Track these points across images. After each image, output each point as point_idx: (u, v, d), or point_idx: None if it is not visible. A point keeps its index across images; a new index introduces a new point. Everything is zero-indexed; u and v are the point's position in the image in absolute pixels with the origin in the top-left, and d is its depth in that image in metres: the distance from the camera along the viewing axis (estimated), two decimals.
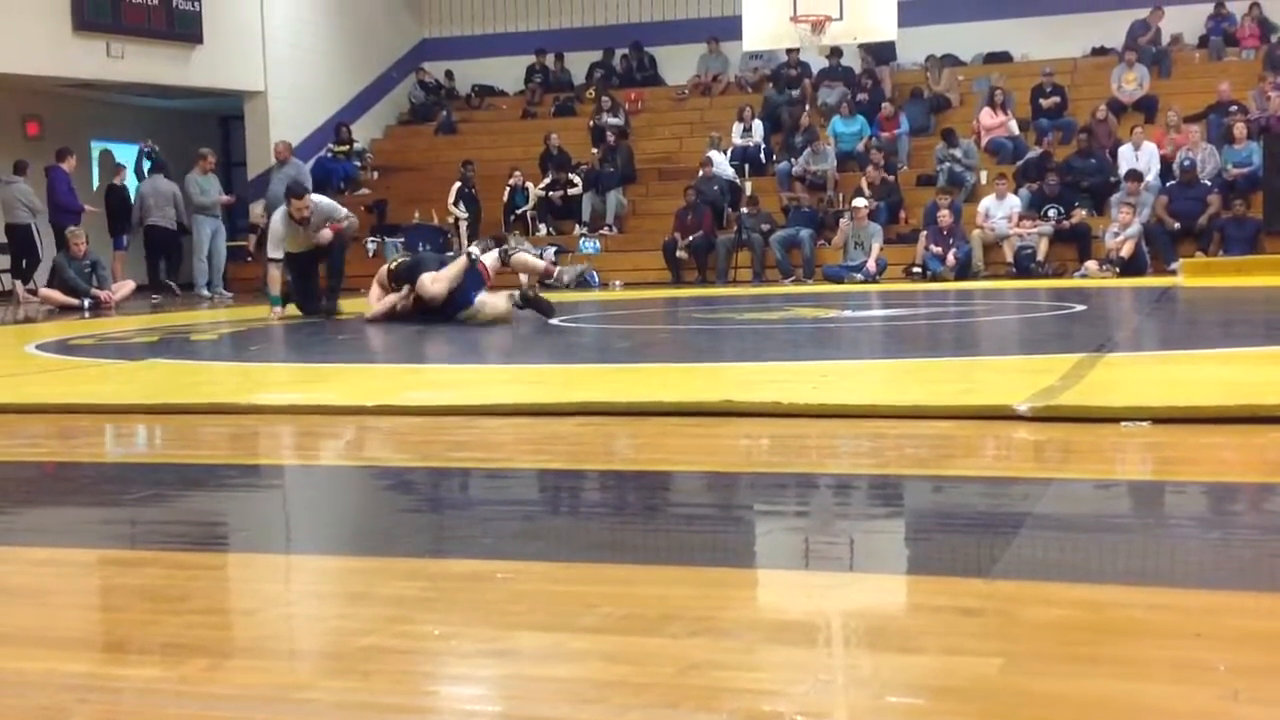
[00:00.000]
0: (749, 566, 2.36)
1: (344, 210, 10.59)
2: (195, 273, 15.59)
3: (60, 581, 2.29)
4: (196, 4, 16.87)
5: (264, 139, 17.55)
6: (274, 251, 10.04)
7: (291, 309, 10.12)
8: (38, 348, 7.50)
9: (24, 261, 15.06)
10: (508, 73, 21.05)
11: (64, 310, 12.63)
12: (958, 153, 16.12)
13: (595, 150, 17.76)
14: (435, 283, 8.51)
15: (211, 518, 2.93)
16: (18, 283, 14.87)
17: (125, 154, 17.33)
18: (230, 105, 18.89)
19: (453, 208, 16.88)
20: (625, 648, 1.76)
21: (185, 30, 16.80)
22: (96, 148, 18.58)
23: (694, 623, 1.85)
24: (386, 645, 1.81)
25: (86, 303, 12.87)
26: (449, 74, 21.18)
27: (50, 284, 13.41)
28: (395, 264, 9.07)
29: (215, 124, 20.53)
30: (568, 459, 3.49)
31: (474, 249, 8.90)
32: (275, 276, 10.01)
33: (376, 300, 9.07)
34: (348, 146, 19.03)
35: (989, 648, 1.71)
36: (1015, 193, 15.23)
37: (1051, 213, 14.81)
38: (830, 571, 2.29)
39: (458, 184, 17.10)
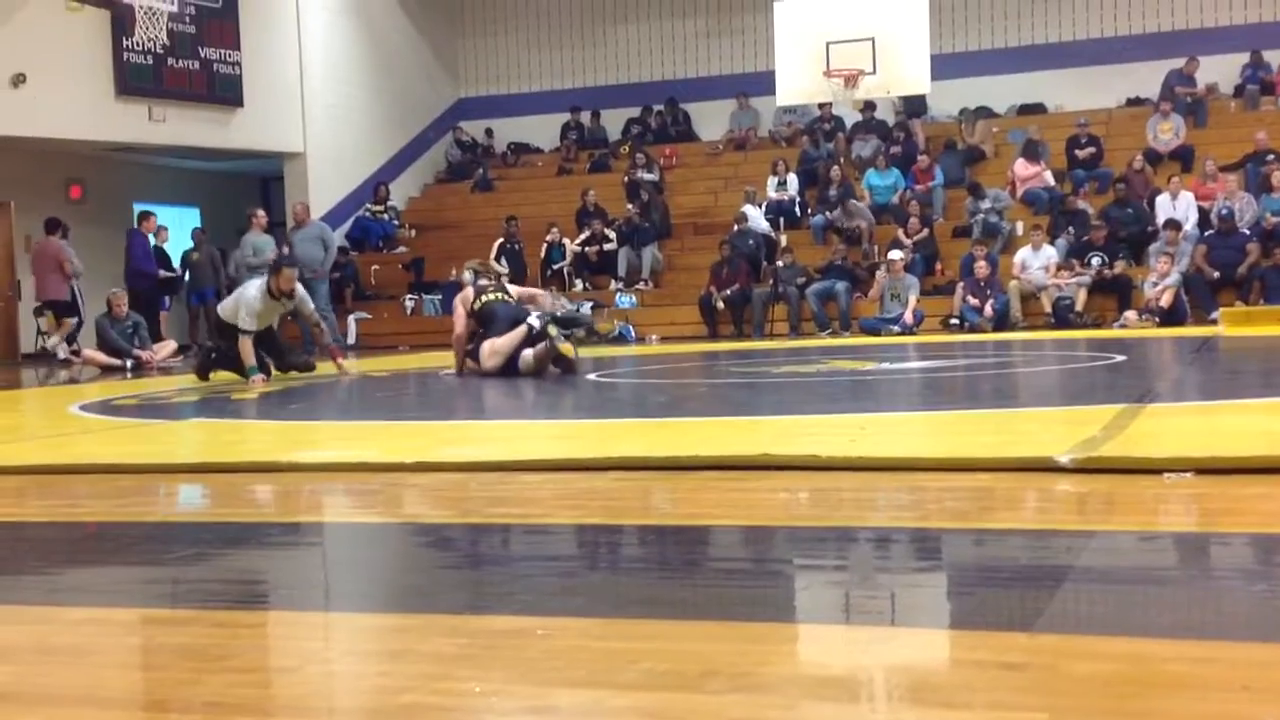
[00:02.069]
0: (789, 621, 2.34)
1: (311, 306, 10.15)
2: None
3: (103, 641, 2.30)
4: (237, 68, 17.13)
5: (304, 200, 17.78)
6: (250, 324, 9.34)
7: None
8: (81, 408, 7.57)
9: (59, 323, 15.25)
10: (543, 130, 21.25)
11: (106, 371, 12.74)
12: (985, 204, 16.12)
13: (630, 205, 17.85)
14: (491, 357, 8.68)
15: (252, 576, 2.94)
16: (61, 344, 15.05)
17: (165, 216, 17.57)
18: (270, 167, 19.14)
19: (494, 263, 16.98)
20: (666, 704, 1.75)
21: (226, 93, 17.05)
22: (138, 210, 18.84)
23: (735, 679, 1.83)
24: (427, 703, 1.80)
25: (129, 363, 12.99)
26: (489, 132, 21.40)
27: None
28: (480, 303, 9.05)
29: (256, 185, 20.79)
30: (605, 514, 3.48)
31: (534, 320, 8.75)
32: (249, 349, 9.33)
33: (462, 321, 9.10)
34: (384, 206, 19.24)
35: (1033, 703, 1.69)
36: (1052, 243, 15.19)
37: (1095, 261, 14.74)
38: (872, 626, 2.28)
39: (500, 240, 17.22)
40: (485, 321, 8.88)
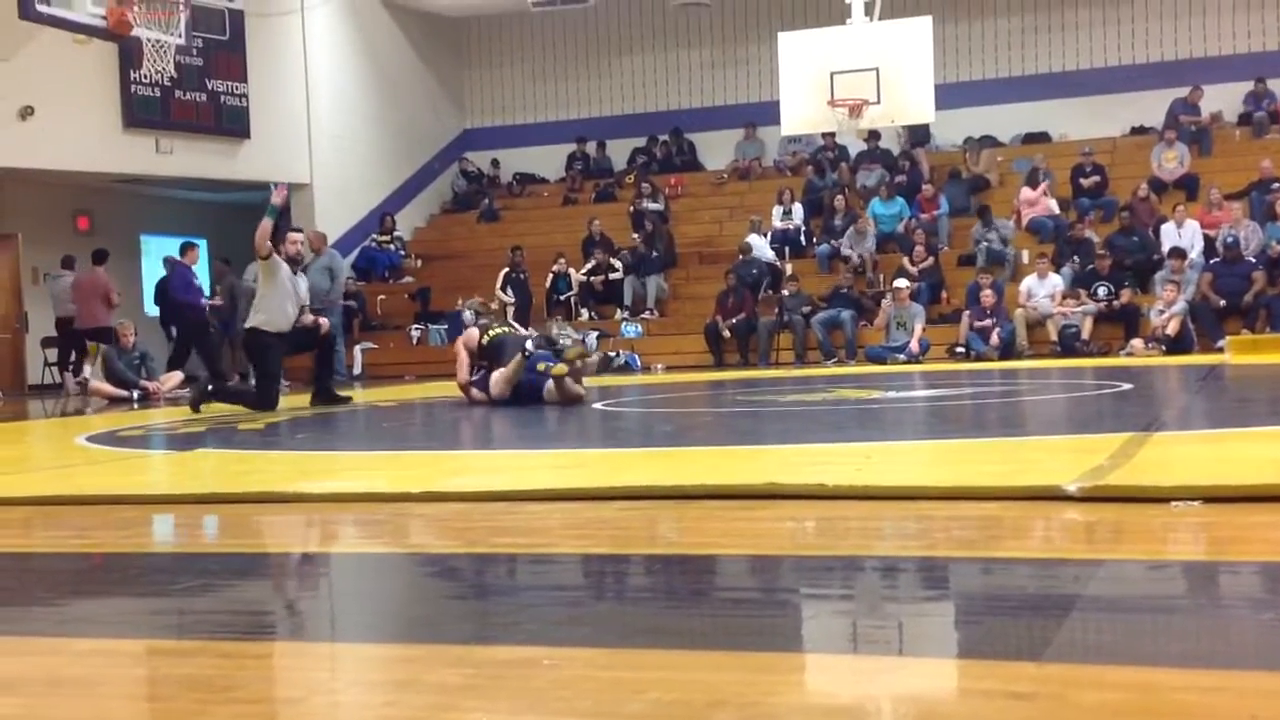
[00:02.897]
0: (797, 651, 2.34)
1: (307, 283, 10.28)
2: None
3: (110, 672, 2.29)
4: (244, 100, 17.22)
5: (315, 229, 17.83)
6: (265, 251, 9.59)
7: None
8: (88, 439, 7.57)
9: (73, 354, 15.27)
10: (549, 161, 21.33)
11: (113, 402, 12.75)
12: (993, 235, 16.16)
13: (635, 235, 17.89)
14: (495, 385, 8.91)
15: (258, 607, 2.94)
16: (68, 375, 15.07)
17: (171, 247, 17.61)
18: None
19: (500, 293, 17.00)
20: None
21: (233, 125, 17.14)
22: (146, 241, 18.91)
23: (742, 709, 1.83)
24: None
25: (135, 394, 13.00)
26: (494, 162, 21.48)
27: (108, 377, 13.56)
28: (488, 338, 9.19)
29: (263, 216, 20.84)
30: (612, 543, 3.48)
31: (529, 345, 8.98)
32: (264, 227, 9.64)
33: (466, 367, 9.30)
34: (390, 236, 19.30)
35: None
36: (1057, 271, 15.20)
37: (1102, 291, 14.75)
38: (879, 656, 2.27)
39: (506, 269, 17.25)
40: (495, 354, 9.02)
